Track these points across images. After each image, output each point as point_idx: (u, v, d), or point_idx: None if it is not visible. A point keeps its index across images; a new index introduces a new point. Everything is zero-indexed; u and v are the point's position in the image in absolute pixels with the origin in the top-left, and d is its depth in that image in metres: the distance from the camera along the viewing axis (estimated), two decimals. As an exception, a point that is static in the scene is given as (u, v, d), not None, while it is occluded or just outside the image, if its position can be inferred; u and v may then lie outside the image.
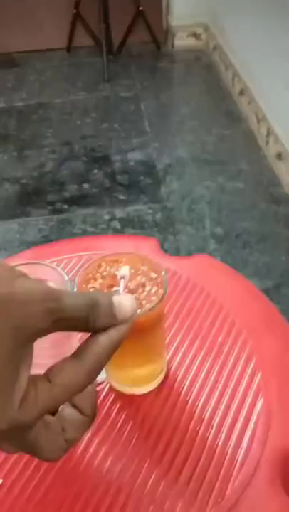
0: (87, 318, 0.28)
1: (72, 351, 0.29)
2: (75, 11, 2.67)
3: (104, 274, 0.47)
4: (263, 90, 2.08)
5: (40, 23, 2.76)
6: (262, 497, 0.43)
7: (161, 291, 0.45)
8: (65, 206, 1.81)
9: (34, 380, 0.27)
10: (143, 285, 0.46)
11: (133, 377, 0.51)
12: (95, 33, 2.71)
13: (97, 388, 0.52)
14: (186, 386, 0.52)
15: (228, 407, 0.50)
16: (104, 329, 0.29)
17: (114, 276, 0.46)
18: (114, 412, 0.50)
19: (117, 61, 2.70)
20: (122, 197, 1.84)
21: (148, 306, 0.44)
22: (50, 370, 0.28)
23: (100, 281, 0.46)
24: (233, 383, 0.52)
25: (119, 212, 1.77)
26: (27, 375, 0.26)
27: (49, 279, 0.47)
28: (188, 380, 0.52)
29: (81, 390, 0.28)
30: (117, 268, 0.47)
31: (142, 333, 0.45)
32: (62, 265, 0.65)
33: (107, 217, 1.75)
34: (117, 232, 1.68)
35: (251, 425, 0.48)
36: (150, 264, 0.48)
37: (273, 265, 1.57)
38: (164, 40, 2.83)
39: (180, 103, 2.42)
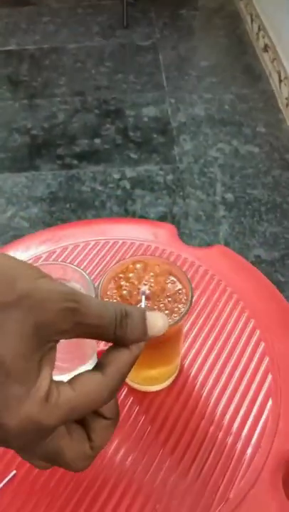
0: (113, 329, 0.27)
1: (85, 357, 0.28)
2: None
3: (127, 285, 0.46)
4: None
5: None
6: (265, 500, 0.45)
7: (184, 306, 0.44)
8: (75, 162, 1.77)
9: (58, 384, 0.26)
10: (168, 297, 0.45)
11: (146, 377, 0.51)
12: (114, -28, 2.54)
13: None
14: (198, 385, 0.52)
15: (237, 409, 0.50)
16: (128, 343, 0.28)
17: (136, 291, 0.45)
18: (127, 406, 0.51)
19: (137, 5, 2.56)
20: (133, 155, 1.79)
21: (170, 320, 0.43)
22: (73, 378, 0.27)
23: (123, 292, 0.45)
24: (244, 385, 0.52)
25: (129, 172, 1.73)
26: (50, 374, 0.26)
27: (76, 282, 0.46)
28: (200, 379, 0.53)
29: (103, 405, 0.28)
30: (140, 279, 0.46)
31: (160, 342, 0.44)
32: (78, 249, 0.64)
33: (116, 176, 1.72)
34: (126, 192, 1.66)
35: (259, 428, 0.49)
36: (179, 273, 0.46)
37: (281, 236, 1.55)
38: (187, -16, 2.66)
39: (200, 56, 2.30)
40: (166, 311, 0.44)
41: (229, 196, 1.66)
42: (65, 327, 0.26)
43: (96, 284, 0.45)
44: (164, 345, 0.47)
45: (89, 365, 0.41)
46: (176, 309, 0.45)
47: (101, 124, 1.92)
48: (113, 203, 1.62)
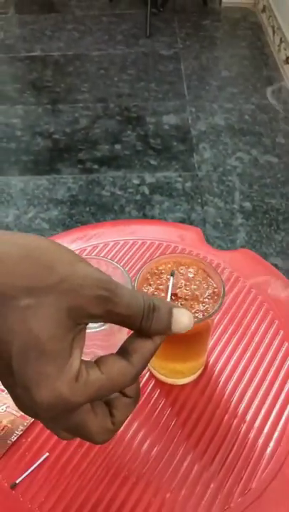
0: (140, 319, 0.29)
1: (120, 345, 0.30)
2: None
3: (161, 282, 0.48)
4: (309, 61, 2.00)
5: None
6: (286, 491, 0.46)
7: (215, 305, 0.46)
8: (96, 166, 1.80)
9: (87, 365, 0.28)
10: (197, 295, 0.47)
11: (173, 370, 0.53)
12: (139, -18, 2.60)
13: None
14: (222, 380, 0.54)
15: (261, 405, 0.52)
16: (152, 334, 0.30)
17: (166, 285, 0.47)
18: (154, 398, 0.53)
19: (160, 15, 2.60)
20: (153, 162, 1.82)
21: (198, 318, 0.45)
22: (100, 361, 0.29)
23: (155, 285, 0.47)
24: (267, 382, 0.54)
25: (148, 178, 1.76)
26: (80, 355, 0.28)
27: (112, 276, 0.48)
28: (225, 375, 0.55)
29: (125, 388, 0.30)
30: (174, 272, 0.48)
31: (188, 337, 0.46)
32: (108, 248, 0.66)
33: (136, 181, 1.74)
34: (145, 197, 1.68)
35: (281, 423, 0.50)
36: (213, 273, 0.48)
37: (299, 246, 1.56)
38: (210, -4, 2.71)
39: (221, 66, 2.34)
40: (198, 306, 0.46)
41: (247, 205, 1.68)
42: (96, 312, 0.27)
43: (132, 276, 0.48)
44: (193, 340, 0.48)
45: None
46: (206, 307, 0.47)
47: (122, 130, 1.95)
48: (132, 208, 1.65)
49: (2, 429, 0.50)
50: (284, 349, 0.56)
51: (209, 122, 1.99)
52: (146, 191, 1.71)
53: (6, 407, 0.51)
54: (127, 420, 0.50)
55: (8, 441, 0.49)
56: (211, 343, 0.57)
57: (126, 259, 0.65)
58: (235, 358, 0.56)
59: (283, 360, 0.56)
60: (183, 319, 0.30)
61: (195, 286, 0.48)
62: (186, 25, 2.56)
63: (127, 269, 0.65)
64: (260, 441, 0.49)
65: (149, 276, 0.49)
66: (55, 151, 1.86)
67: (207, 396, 0.53)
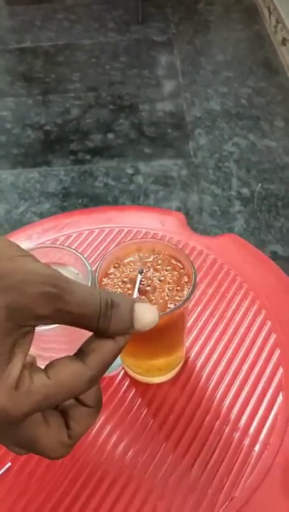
0: (97, 319, 0.25)
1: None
2: None
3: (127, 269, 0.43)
4: (306, 41, 1.93)
5: None
6: (273, 500, 0.42)
7: (185, 292, 0.41)
8: (88, 157, 1.75)
9: (31, 371, 0.24)
10: (168, 283, 0.42)
11: (148, 367, 0.48)
12: None
13: (112, 374, 0.49)
14: (204, 377, 0.49)
15: (246, 403, 0.47)
16: (112, 335, 0.26)
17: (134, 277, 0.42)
18: (129, 398, 0.48)
19: (152, 0, 2.53)
20: (147, 150, 1.77)
21: (170, 308, 0.40)
22: (50, 365, 0.25)
23: (121, 273, 0.43)
24: (253, 378, 0.49)
25: (143, 167, 1.71)
26: (21, 361, 0.24)
27: (73, 266, 0.44)
28: (207, 371, 0.50)
29: (81, 394, 0.26)
30: (142, 263, 0.43)
31: (161, 330, 0.41)
32: (82, 237, 0.61)
33: (130, 171, 1.69)
34: (139, 187, 1.63)
35: (268, 424, 0.45)
36: (183, 258, 0.43)
37: (299, 232, 1.51)
38: (203, -21, 2.63)
39: (216, 50, 2.27)
40: (167, 297, 0.41)
41: (245, 191, 1.62)
42: (43, 312, 0.24)
43: (94, 268, 0.43)
44: (167, 333, 0.44)
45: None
46: (178, 296, 0.42)
47: (115, 119, 1.90)
48: (126, 198, 1.60)
49: None
50: (271, 340, 0.52)
51: (204, 108, 1.93)
52: (141, 181, 1.66)
53: None
54: (100, 423, 0.46)
55: None
56: (191, 336, 0.52)
57: (101, 248, 0.61)
58: (218, 352, 0.51)
59: (271, 352, 0.51)
60: (146, 315, 0.26)
61: (163, 274, 0.43)
62: (179, 10, 2.49)
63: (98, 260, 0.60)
64: (245, 443, 0.45)
65: (113, 267, 0.44)
66: (46, 142, 1.81)
67: (187, 394, 0.48)
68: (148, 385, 0.49)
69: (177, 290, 0.42)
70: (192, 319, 0.54)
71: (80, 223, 0.63)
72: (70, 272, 0.44)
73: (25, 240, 0.62)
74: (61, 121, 1.90)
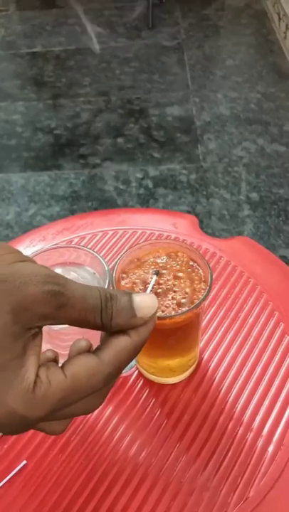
0: (100, 312, 0.26)
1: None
2: None
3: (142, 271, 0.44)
4: (316, 46, 1.93)
5: None
6: (286, 501, 0.42)
7: (201, 293, 0.42)
8: (98, 161, 1.76)
9: (48, 370, 0.25)
10: (185, 283, 0.42)
11: (162, 368, 0.49)
12: (140, -27, 2.54)
13: (126, 374, 0.50)
14: (217, 378, 0.50)
15: (259, 404, 0.47)
16: (122, 330, 0.27)
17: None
18: (143, 398, 0.48)
19: (163, 6, 2.55)
20: (156, 154, 1.77)
21: (183, 309, 0.41)
22: (67, 362, 0.26)
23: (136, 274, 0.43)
24: (266, 379, 0.49)
25: (152, 171, 1.71)
26: (35, 364, 0.24)
27: (89, 266, 0.44)
28: (220, 372, 0.50)
29: (96, 391, 0.26)
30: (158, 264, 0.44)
31: (176, 330, 0.42)
32: (96, 238, 0.62)
33: (139, 175, 1.70)
34: (149, 191, 1.64)
35: (282, 424, 0.46)
36: (199, 259, 0.44)
37: (308, 237, 1.51)
38: (213, -15, 2.64)
39: (225, 55, 2.28)
40: (184, 300, 0.42)
41: (254, 195, 1.62)
42: (47, 311, 0.24)
43: (111, 266, 0.44)
44: (181, 333, 0.44)
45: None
46: (195, 296, 0.42)
47: (124, 123, 1.91)
48: (135, 202, 1.61)
49: (-22, 435, 0.46)
50: (285, 343, 0.52)
51: (214, 112, 1.94)
52: (150, 185, 1.67)
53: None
54: (114, 422, 0.46)
55: (-16, 448, 0.46)
56: (205, 337, 0.53)
57: (115, 249, 0.61)
58: (231, 353, 0.51)
59: (284, 355, 0.51)
60: (145, 302, 0.27)
61: (181, 275, 0.43)
62: (189, 15, 2.50)
63: (113, 261, 0.61)
64: (259, 444, 0.45)
65: (131, 267, 0.44)
66: (56, 146, 1.83)
67: (200, 395, 0.48)
68: (162, 386, 0.49)
69: (194, 290, 0.42)
70: (206, 319, 0.54)
71: (94, 225, 0.64)
72: (87, 272, 0.44)
73: (40, 240, 0.63)
74: (71, 125, 1.91)
